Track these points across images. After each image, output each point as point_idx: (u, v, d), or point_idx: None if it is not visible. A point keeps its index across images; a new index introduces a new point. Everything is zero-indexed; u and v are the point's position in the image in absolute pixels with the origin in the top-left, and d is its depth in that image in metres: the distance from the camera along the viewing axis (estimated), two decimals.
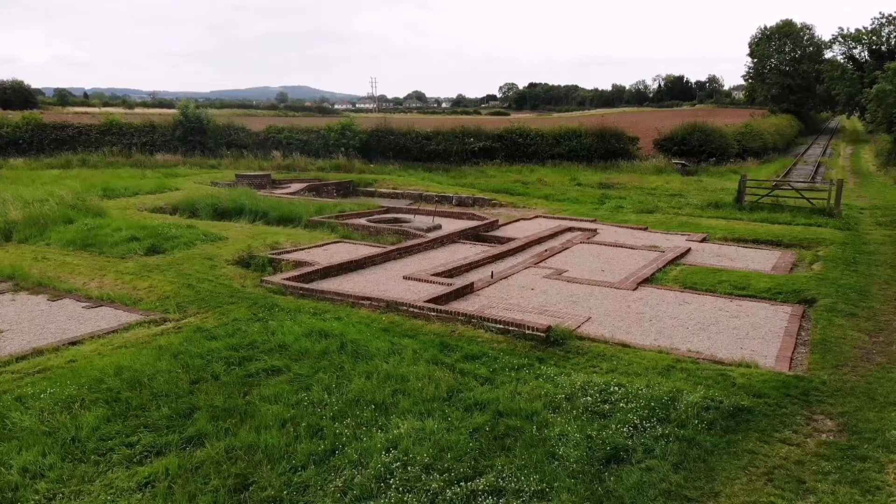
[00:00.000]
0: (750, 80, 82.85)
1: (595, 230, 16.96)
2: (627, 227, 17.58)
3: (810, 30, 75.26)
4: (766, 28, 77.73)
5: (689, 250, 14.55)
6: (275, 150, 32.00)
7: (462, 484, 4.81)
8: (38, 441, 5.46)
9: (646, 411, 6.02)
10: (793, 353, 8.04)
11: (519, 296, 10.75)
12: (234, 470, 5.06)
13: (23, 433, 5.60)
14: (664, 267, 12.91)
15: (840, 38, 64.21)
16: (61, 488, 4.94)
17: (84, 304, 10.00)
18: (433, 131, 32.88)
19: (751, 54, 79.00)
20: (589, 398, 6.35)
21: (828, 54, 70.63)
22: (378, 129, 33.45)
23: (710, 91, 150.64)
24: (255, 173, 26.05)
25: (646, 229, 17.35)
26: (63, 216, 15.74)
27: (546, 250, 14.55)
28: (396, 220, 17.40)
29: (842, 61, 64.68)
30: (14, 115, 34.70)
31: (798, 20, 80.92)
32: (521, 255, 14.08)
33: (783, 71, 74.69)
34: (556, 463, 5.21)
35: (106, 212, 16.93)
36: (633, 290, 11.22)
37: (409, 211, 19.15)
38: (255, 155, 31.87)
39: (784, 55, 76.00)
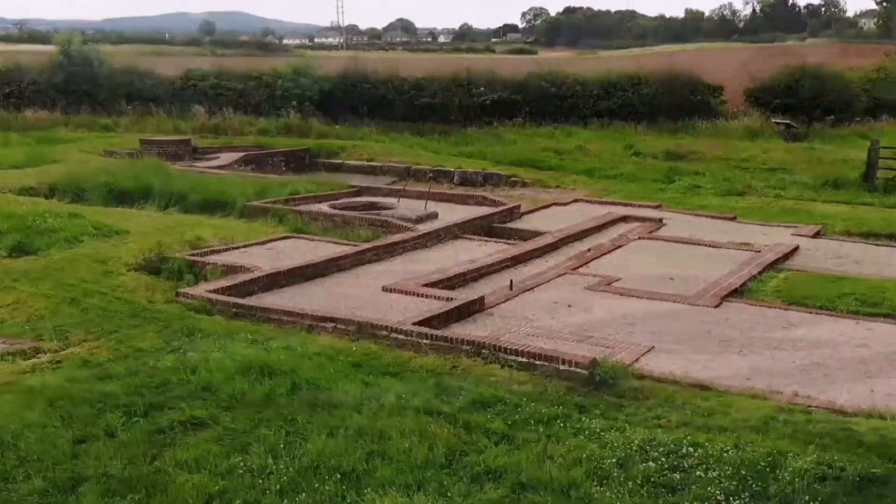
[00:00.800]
0: (885, 3, 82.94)
1: (660, 220, 17.06)
2: (707, 216, 17.68)
3: None
4: None
5: (796, 249, 14.68)
6: (197, 105, 32.06)
7: None
8: None
9: (734, 483, 6.05)
10: None
11: (550, 316, 10.77)
12: None
13: None
14: (760, 273, 13.00)
15: None
16: None
17: None
18: (426, 78, 32.98)
19: None
20: (652, 464, 6.37)
21: None
22: (347, 75, 33.52)
23: (826, 19, 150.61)
24: (169, 138, 26.16)
25: (734, 219, 17.46)
26: None
27: (589, 250, 14.64)
28: (373, 207, 17.45)
29: None
30: None
31: None
32: (554, 257, 14.16)
33: None
34: None
35: None
36: (716, 306, 11.29)
37: (391, 193, 19.22)
38: (169, 112, 31.94)
39: None
